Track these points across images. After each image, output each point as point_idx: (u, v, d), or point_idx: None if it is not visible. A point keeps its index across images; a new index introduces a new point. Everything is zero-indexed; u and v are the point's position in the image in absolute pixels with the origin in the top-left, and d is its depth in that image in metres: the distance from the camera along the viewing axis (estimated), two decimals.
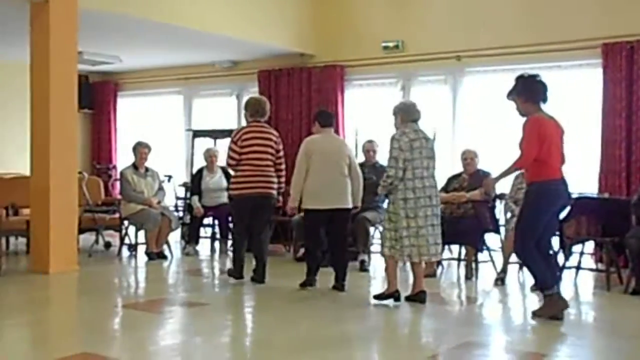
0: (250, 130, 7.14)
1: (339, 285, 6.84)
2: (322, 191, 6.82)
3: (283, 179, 7.33)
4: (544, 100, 5.78)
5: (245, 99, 11.54)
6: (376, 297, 6.30)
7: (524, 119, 5.72)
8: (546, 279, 5.70)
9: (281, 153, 7.30)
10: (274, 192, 7.21)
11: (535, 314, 5.74)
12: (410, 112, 6.30)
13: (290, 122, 10.78)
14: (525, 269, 8.05)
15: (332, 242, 7.01)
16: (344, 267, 6.94)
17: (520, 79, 5.85)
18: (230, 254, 9.37)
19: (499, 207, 8.08)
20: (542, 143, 5.57)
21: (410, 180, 6.07)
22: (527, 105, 5.73)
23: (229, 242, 9.69)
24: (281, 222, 9.35)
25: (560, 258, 7.72)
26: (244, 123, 11.32)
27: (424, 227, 6.08)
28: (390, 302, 6.17)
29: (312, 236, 7.01)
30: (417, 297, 6.22)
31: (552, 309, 5.63)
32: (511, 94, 5.85)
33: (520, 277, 7.88)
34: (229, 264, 8.89)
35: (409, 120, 6.25)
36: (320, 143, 6.95)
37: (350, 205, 6.97)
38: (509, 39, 9.07)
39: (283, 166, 7.32)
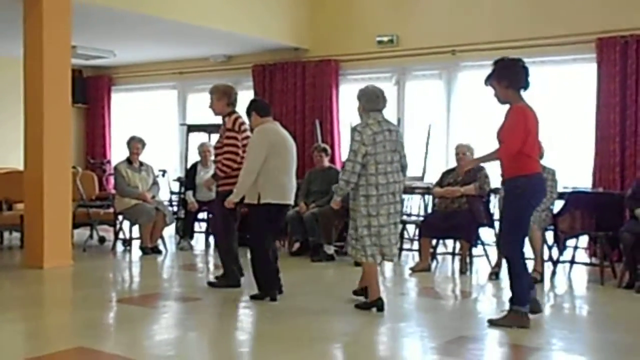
0: (244, 122, 6.69)
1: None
2: (287, 185, 6.22)
3: None
4: (526, 87, 5.30)
5: (241, 92, 11.57)
6: (358, 306, 5.84)
7: (507, 106, 5.27)
8: (523, 295, 5.24)
9: None
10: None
11: (492, 323, 5.31)
12: (373, 100, 5.77)
13: (284, 117, 10.75)
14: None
15: (275, 240, 6.53)
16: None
17: (500, 62, 5.35)
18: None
19: (493, 201, 8.09)
20: (527, 134, 5.15)
21: (372, 175, 5.60)
22: (508, 92, 5.25)
23: None
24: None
25: (555, 252, 7.75)
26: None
27: (386, 225, 5.66)
28: (373, 310, 5.73)
29: (265, 234, 6.22)
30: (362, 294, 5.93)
31: (513, 323, 5.21)
32: (490, 79, 5.33)
33: None
34: None
35: (372, 109, 5.75)
36: (278, 134, 6.31)
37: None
38: (504, 34, 9.07)
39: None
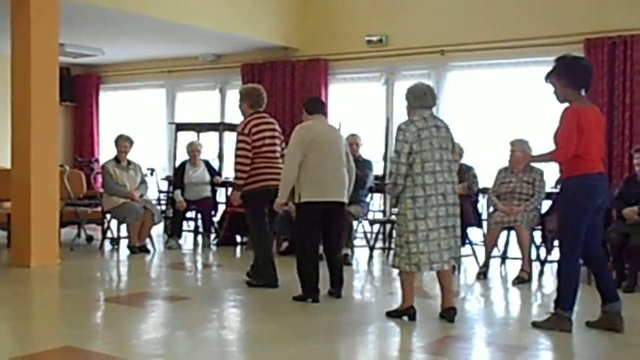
0: (258, 123, 6.66)
1: (335, 292, 6.22)
2: (326, 182, 6.05)
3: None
4: (587, 86, 5.17)
5: (230, 91, 11.66)
6: (389, 313, 5.54)
7: (563, 106, 5.11)
8: (568, 300, 5.14)
9: (284, 144, 6.77)
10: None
11: (535, 325, 5.28)
12: (420, 97, 5.43)
13: (274, 116, 10.67)
14: (506, 263, 8.16)
15: (328, 241, 6.28)
16: (341, 271, 6.29)
17: (561, 60, 5.21)
18: (214, 247, 9.39)
19: (482, 201, 8.12)
20: (580, 137, 4.97)
21: (419, 175, 5.23)
22: (567, 91, 5.10)
23: (212, 236, 9.69)
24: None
25: (542, 252, 7.79)
26: (228, 116, 11.51)
27: (435, 229, 5.25)
28: (404, 319, 5.47)
29: (309, 234, 6.16)
30: (445, 314, 5.43)
31: (555, 326, 5.16)
32: (549, 76, 5.19)
33: (502, 271, 7.92)
34: (211, 258, 8.89)
35: (419, 106, 5.41)
36: (318, 129, 6.19)
37: (346, 200, 6.29)
38: (493, 34, 9.10)
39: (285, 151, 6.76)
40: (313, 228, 6.13)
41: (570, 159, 5.05)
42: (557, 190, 7.77)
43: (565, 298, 5.17)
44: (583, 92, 5.15)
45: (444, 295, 5.48)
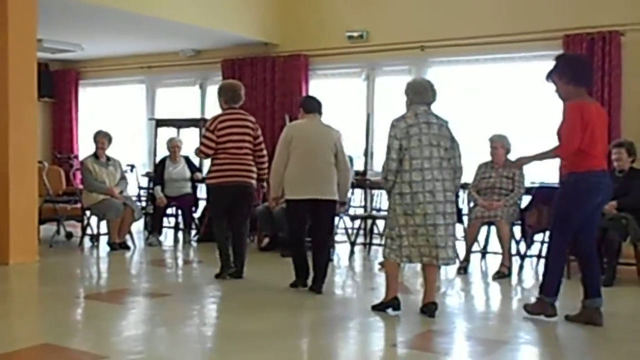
0: (227, 118, 6.77)
1: (316, 288, 6.27)
2: (303, 179, 6.21)
3: (265, 166, 6.92)
4: (588, 84, 5.24)
5: (210, 87, 11.62)
6: (374, 307, 5.58)
7: (563, 103, 5.18)
8: (552, 287, 5.26)
9: (260, 139, 6.92)
10: (254, 181, 6.86)
11: (526, 309, 5.41)
12: (421, 92, 5.46)
13: (254, 112, 10.66)
14: (486, 257, 8.20)
15: (314, 238, 6.45)
16: (325, 268, 6.35)
17: (562, 58, 5.30)
18: (195, 244, 9.37)
19: (462, 196, 8.15)
20: (584, 131, 5.03)
21: (406, 172, 5.26)
22: (569, 88, 5.16)
23: (193, 232, 9.66)
24: None
25: (522, 246, 7.84)
26: (208, 112, 11.47)
27: (422, 225, 5.24)
28: (389, 311, 5.53)
29: (294, 230, 6.38)
30: (426, 309, 5.45)
31: (540, 310, 5.32)
32: (551, 75, 5.25)
33: (482, 266, 7.96)
34: (192, 255, 8.87)
35: (419, 102, 5.43)
36: (303, 128, 6.37)
37: (335, 197, 6.31)
38: (473, 30, 9.13)
39: (264, 152, 6.96)
40: (297, 223, 6.32)
41: (574, 154, 5.09)
42: (537, 185, 7.86)
43: (550, 284, 5.27)
44: (584, 89, 5.19)
45: (426, 289, 5.51)
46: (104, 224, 8.93)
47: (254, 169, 6.85)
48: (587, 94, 5.25)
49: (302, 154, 6.22)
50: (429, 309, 5.42)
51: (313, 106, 6.51)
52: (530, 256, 7.84)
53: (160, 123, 10.96)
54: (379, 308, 5.54)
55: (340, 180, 6.32)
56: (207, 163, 10.15)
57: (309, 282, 6.35)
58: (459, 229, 8.00)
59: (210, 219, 7.07)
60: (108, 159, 9.02)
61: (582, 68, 5.26)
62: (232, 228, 6.85)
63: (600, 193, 5.17)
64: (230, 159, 6.72)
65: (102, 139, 8.96)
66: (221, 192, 6.74)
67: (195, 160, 10.06)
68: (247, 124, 6.85)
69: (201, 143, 6.82)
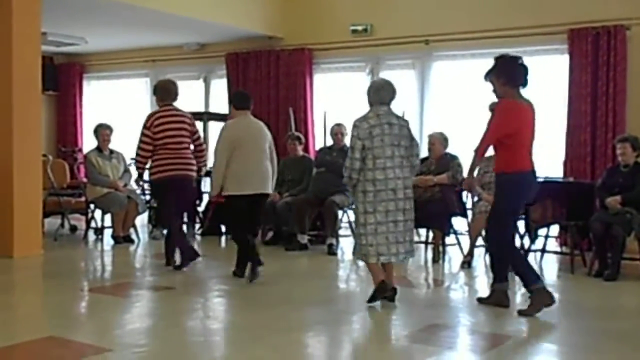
0: (162, 115, 6.99)
1: (252, 276, 6.44)
2: (247, 176, 6.48)
3: (204, 159, 7.36)
4: (524, 84, 5.45)
5: (215, 81, 11.61)
6: (369, 300, 5.64)
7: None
8: (530, 275, 5.45)
9: (198, 134, 7.22)
10: (193, 174, 7.12)
11: (521, 313, 5.38)
12: (378, 92, 5.63)
13: (258, 106, 10.68)
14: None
15: (248, 229, 6.69)
16: (257, 252, 6.57)
17: (500, 59, 5.51)
18: (198, 237, 9.38)
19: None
20: (509, 128, 5.29)
21: (370, 170, 5.44)
22: (506, 89, 5.40)
23: (197, 226, 9.67)
24: None
25: (526, 241, 7.83)
26: (212, 106, 11.47)
27: (384, 223, 5.44)
28: (378, 304, 5.62)
29: (238, 224, 6.70)
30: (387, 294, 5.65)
31: (540, 302, 5.36)
32: (489, 75, 5.49)
33: (486, 260, 7.95)
34: (196, 248, 8.86)
35: (377, 101, 5.60)
36: (241, 127, 6.59)
37: (270, 191, 6.77)
38: (477, 24, 9.11)
39: (203, 146, 7.33)
40: (237, 217, 6.60)
41: (505, 153, 5.36)
42: (541, 180, 7.85)
43: (528, 275, 5.47)
44: (521, 89, 5.45)
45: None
46: (108, 217, 8.95)
47: (194, 162, 7.10)
48: (520, 94, 5.46)
49: (245, 152, 6.47)
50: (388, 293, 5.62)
51: (245, 103, 6.74)
52: (535, 251, 7.83)
53: None
54: (372, 300, 5.62)
55: (273, 175, 6.70)
56: (210, 156, 10.21)
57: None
58: (463, 224, 8.04)
59: (159, 211, 7.70)
60: (111, 152, 9.02)
61: (519, 70, 5.46)
62: (179, 217, 7.38)
63: (530, 191, 5.55)
64: (170, 154, 6.92)
65: (104, 131, 8.96)
66: (164, 186, 6.98)
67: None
68: (184, 120, 7.07)
69: (138, 145, 6.99)
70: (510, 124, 5.34)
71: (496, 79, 5.44)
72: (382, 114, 5.55)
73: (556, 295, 6.47)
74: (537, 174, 5.65)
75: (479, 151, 5.45)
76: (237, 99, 6.83)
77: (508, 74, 5.41)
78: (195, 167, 7.12)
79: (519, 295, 6.15)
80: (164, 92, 7.15)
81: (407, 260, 5.93)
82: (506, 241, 5.53)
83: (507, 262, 5.64)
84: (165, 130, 6.92)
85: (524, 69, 5.45)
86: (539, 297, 5.38)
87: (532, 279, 5.44)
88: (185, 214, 7.53)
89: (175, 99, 7.17)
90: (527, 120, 5.42)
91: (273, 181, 6.74)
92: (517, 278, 5.68)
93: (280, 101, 10.62)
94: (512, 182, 5.38)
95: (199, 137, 7.24)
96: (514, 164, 5.36)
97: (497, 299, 5.60)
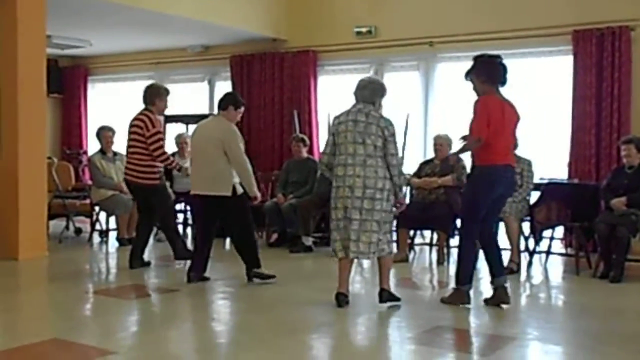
0: (130, 121, 7.18)
1: (248, 276, 6.55)
2: (192, 177, 6.59)
3: (162, 158, 7.08)
4: (503, 82, 5.57)
5: (219, 83, 11.62)
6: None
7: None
8: (466, 274, 5.62)
9: (153, 138, 6.96)
10: (141, 180, 7.06)
11: (443, 301, 5.73)
12: (357, 90, 5.62)
13: (263, 108, 10.74)
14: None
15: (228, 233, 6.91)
16: (247, 256, 6.52)
17: (479, 58, 5.64)
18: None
19: None
20: (488, 124, 5.38)
21: (335, 167, 5.51)
22: (485, 87, 5.53)
23: None
24: (254, 207, 9.32)
25: (531, 243, 7.82)
26: (216, 108, 11.43)
27: (342, 219, 5.45)
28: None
29: (197, 222, 6.97)
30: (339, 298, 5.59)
31: (456, 300, 5.64)
32: (469, 74, 5.63)
33: None
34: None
35: (357, 99, 5.59)
36: (198, 128, 6.60)
37: (219, 193, 6.29)
38: (481, 26, 9.10)
39: (158, 151, 7.01)
40: (197, 217, 6.92)
41: (480, 147, 5.42)
42: (546, 181, 7.85)
43: (464, 273, 5.62)
44: (500, 87, 5.56)
45: (340, 280, 5.63)
46: (112, 219, 8.96)
47: (143, 168, 7.05)
48: (499, 92, 5.56)
49: (193, 152, 6.59)
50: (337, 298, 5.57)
51: (221, 104, 6.58)
52: (539, 252, 7.81)
53: (169, 119, 10.97)
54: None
55: (240, 176, 6.35)
56: None
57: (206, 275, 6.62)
58: None
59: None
60: (115, 154, 9.03)
61: (497, 68, 5.57)
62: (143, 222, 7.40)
63: (501, 185, 5.53)
64: (127, 160, 7.22)
65: (106, 133, 8.97)
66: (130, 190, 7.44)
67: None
68: (135, 123, 7.07)
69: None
70: (488, 117, 5.40)
71: (476, 77, 5.58)
72: (353, 111, 5.54)
73: (561, 297, 6.50)
74: (513, 174, 5.77)
75: (470, 142, 5.51)
76: (240, 100, 6.68)
77: (487, 73, 5.53)
78: (144, 173, 7.06)
79: (524, 296, 6.16)
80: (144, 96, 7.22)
81: (363, 260, 5.93)
82: (468, 232, 5.62)
83: (499, 255, 5.73)
84: (128, 135, 7.15)
85: (503, 68, 5.58)
86: (458, 296, 5.63)
87: (463, 281, 5.61)
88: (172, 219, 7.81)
89: (145, 102, 7.16)
90: (501, 116, 5.46)
91: (245, 180, 6.35)
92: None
93: (284, 103, 10.62)
94: (483, 175, 5.52)
95: (154, 142, 6.99)
96: (486, 157, 5.44)
97: (499, 298, 5.65)
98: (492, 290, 5.72)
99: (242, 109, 6.63)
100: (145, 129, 6.98)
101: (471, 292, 5.66)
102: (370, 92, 5.59)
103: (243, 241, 6.56)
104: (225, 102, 6.52)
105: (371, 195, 5.40)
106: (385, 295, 5.62)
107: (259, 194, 6.53)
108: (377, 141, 5.43)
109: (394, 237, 6.08)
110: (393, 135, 5.51)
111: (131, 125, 7.09)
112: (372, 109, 5.55)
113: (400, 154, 5.74)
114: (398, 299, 5.67)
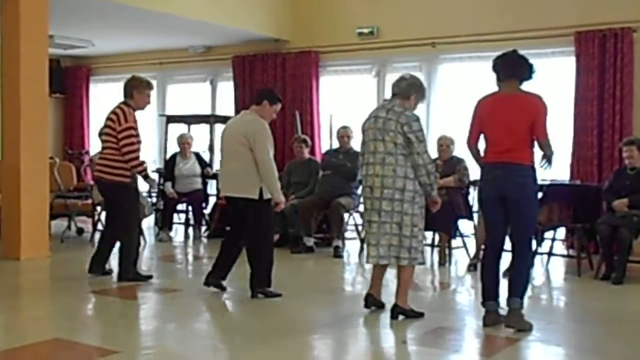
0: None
1: (252, 291, 5.93)
2: (219, 177, 6.30)
3: (128, 157, 6.43)
4: (509, 75, 5.18)
5: (221, 83, 11.64)
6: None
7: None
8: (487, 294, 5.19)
9: (122, 134, 6.42)
10: (106, 176, 6.50)
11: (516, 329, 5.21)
12: (393, 85, 5.35)
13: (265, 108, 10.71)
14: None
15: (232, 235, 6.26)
16: (257, 270, 5.93)
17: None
18: (205, 239, 9.38)
19: (473, 193, 8.13)
20: (480, 126, 5.15)
21: (361, 166, 5.31)
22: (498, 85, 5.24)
23: (203, 228, 9.69)
24: None
25: (533, 244, 7.80)
26: (219, 108, 11.49)
27: (366, 222, 5.25)
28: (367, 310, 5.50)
29: (229, 227, 6.50)
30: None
31: (526, 324, 5.11)
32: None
33: None
34: (202, 251, 8.89)
35: (393, 94, 5.31)
36: (228, 124, 6.24)
37: (245, 195, 5.76)
38: (483, 27, 9.10)
39: (127, 148, 6.43)
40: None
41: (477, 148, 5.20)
42: (547, 182, 7.84)
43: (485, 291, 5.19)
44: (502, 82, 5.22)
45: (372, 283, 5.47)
46: None
47: (113, 163, 6.48)
48: (506, 87, 5.19)
49: (221, 152, 6.08)
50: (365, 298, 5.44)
51: (256, 99, 6.16)
52: (541, 254, 7.81)
53: (171, 119, 10.99)
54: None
55: (261, 176, 5.75)
56: (216, 158, 10.23)
57: (224, 283, 6.18)
58: (470, 226, 8.02)
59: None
60: None
61: (495, 65, 5.26)
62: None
63: (495, 184, 5.00)
64: (99, 156, 6.86)
65: None
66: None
67: (206, 157, 10.09)
68: (109, 116, 6.63)
69: None
70: (476, 119, 5.23)
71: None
72: (378, 107, 5.30)
73: (563, 299, 6.51)
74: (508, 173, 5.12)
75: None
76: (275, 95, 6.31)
77: (494, 72, 5.25)
78: (110, 168, 6.49)
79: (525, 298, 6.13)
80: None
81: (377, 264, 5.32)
82: (486, 249, 5.35)
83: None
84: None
85: (502, 62, 5.25)
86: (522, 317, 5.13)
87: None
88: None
89: (124, 94, 6.78)
90: (489, 113, 5.15)
91: (268, 182, 5.77)
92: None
93: (286, 104, 10.57)
94: (480, 174, 5.23)
95: (124, 138, 6.44)
96: (484, 157, 5.18)
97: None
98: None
99: (279, 105, 6.15)
100: (117, 123, 6.46)
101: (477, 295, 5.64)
102: (407, 85, 5.26)
103: (257, 253, 5.92)
104: (261, 97, 6.07)
105: (390, 196, 5.06)
106: (397, 312, 5.23)
107: (283, 199, 5.99)
108: (396, 138, 5.07)
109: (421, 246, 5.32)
110: (415, 132, 5.08)
111: (106, 119, 6.66)
112: (396, 104, 5.18)
113: (428, 152, 5.23)
114: (415, 316, 5.26)
